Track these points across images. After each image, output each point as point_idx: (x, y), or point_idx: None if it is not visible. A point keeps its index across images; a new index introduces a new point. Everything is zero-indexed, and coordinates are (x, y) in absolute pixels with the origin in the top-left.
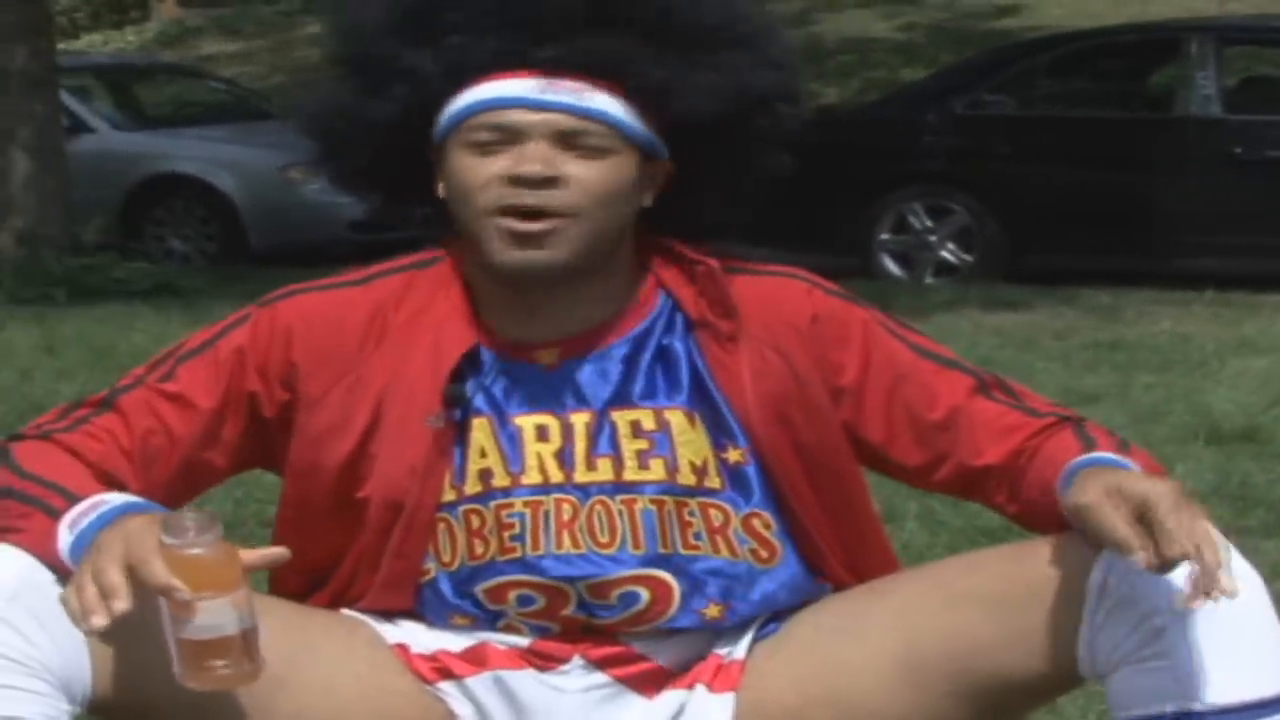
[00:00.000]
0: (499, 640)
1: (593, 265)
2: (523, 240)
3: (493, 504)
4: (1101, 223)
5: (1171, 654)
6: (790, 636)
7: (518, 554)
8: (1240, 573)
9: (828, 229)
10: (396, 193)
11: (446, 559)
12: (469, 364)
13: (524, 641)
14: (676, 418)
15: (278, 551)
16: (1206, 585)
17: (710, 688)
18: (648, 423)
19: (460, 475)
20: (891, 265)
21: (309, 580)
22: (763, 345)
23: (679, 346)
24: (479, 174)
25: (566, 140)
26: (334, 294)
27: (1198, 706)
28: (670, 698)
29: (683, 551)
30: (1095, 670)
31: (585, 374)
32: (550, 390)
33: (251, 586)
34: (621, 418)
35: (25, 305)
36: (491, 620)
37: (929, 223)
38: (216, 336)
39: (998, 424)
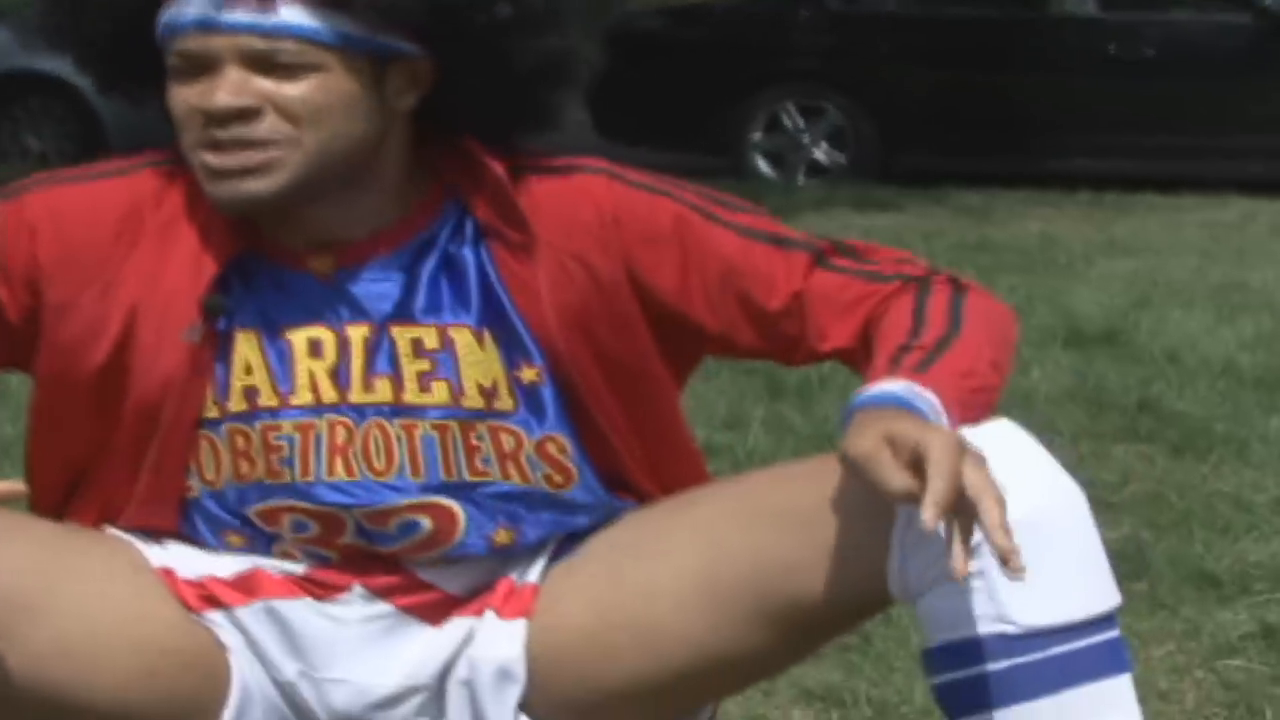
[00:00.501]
0: (272, 566)
1: (337, 181)
2: (224, 175)
3: (259, 424)
4: (976, 123)
5: (986, 573)
6: (586, 557)
7: (286, 478)
8: (1061, 486)
9: (699, 128)
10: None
11: (210, 476)
12: (235, 271)
13: (299, 569)
14: (463, 336)
15: (16, 485)
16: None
17: (500, 613)
18: (430, 341)
19: (224, 392)
20: (764, 165)
21: (69, 479)
22: (561, 253)
23: (468, 256)
24: (178, 105)
25: (259, 61)
26: (89, 187)
27: (1012, 629)
28: (457, 625)
29: (468, 478)
30: (906, 591)
31: (362, 284)
32: (324, 301)
33: None
34: (402, 335)
35: None
36: (266, 544)
37: (801, 122)
38: None
39: (839, 299)
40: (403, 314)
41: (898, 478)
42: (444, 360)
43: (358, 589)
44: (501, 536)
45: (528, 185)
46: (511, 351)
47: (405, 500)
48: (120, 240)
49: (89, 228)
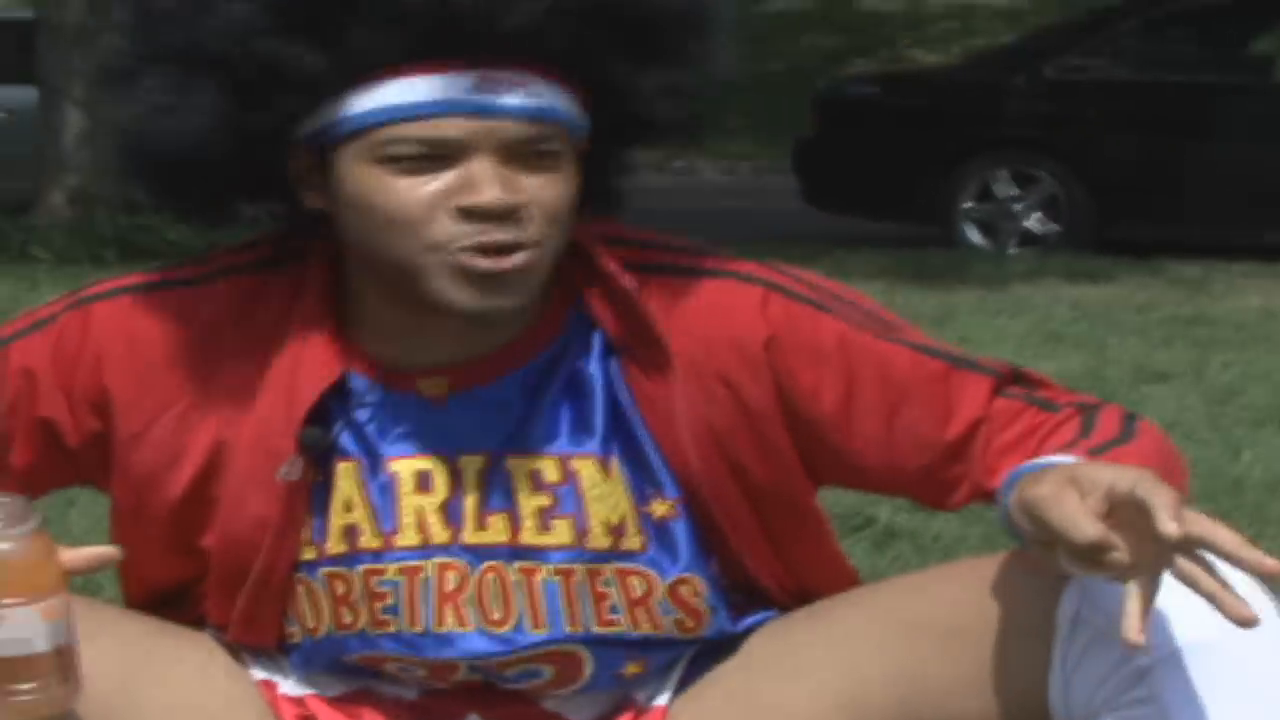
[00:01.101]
0: (383, 689)
1: None
2: (487, 282)
3: (360, 568)
4: (1195, 193)
5: (1160, 699)
6: (718, 676)
7: (391, 629)
8: (1254, 599)
9: (909, 196)
10: (239, 198)
11: (311, 624)
12: (334, 395)
13: (410, 693)
14: (587, 468)
15: (107, 551)
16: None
17: None
18: (550, 473)
19: (320, 531)
20: (974, 234)
21: (155, 598)
22: (702, 372)
23: (594, 373)
24: (410, 200)
25: (515, 152)
26: (161, 296)
27: None
28: None
29: (595, 630)
30: (1070, 717)
31: (478, 409)
32: (435, 428)
33: (69, 594)
34: (518, 467)
35: (74, 265)
36: (373, 673)
37: (1014, 190)
38: (13, 337)
39: (1012, 431)
40: (520, 443)
41: (1087, 521)
42: (565, 495)
43: (474, 718)
44: (631, 669)
45: (666, 291)
46: (641, 483)
47: (524, 653)
48: (202, 361)
49: (165, 347)
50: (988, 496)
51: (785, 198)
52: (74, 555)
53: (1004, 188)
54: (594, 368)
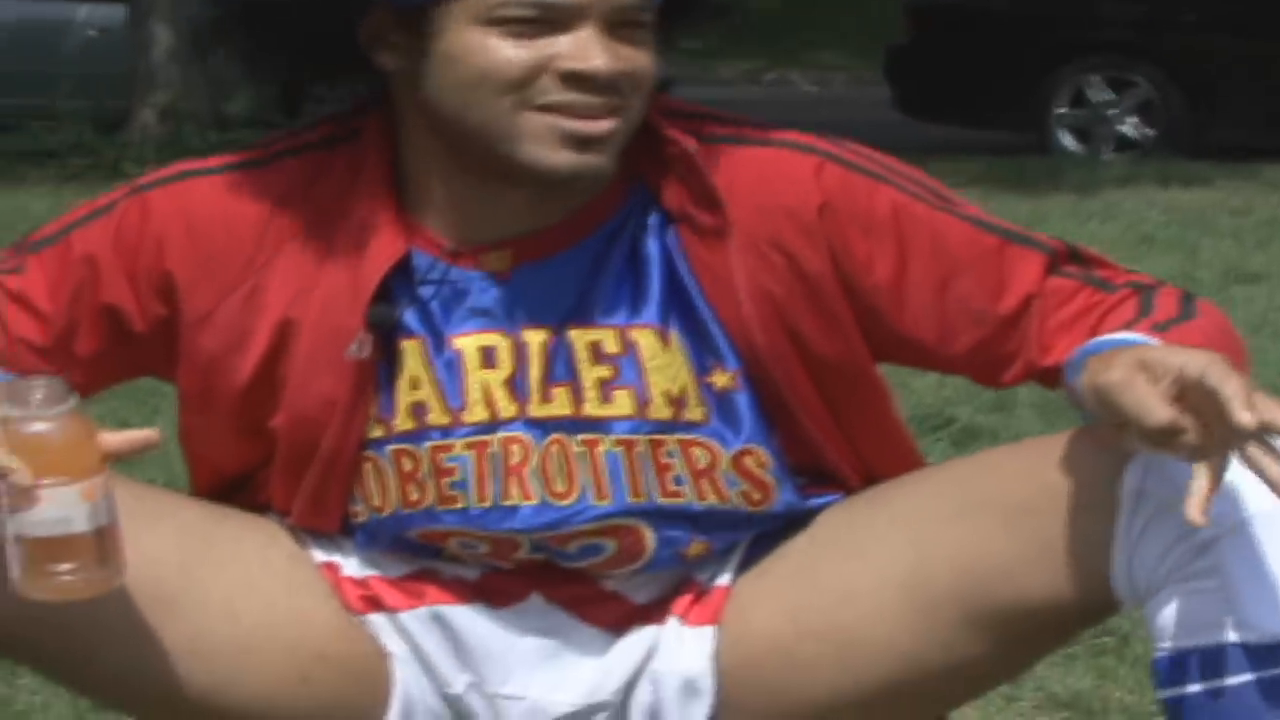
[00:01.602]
0: (444, 569)
1: None
2: (584, 144)
3: (427, 445)
4: None
5: (1223, 571)
6: (781, 555)
7: (459, 504)
8: None
9: (1002, 102)
10: (322, 62)
11: (377, 503)
12: (398, 273)
13: (472, 573)
14: (645, 338)
15: (147, 434)
16: None
17: (685, 620)
18: (610, 345)
19: (388, 408)
20: (1069, 140)
21: (225, 485)
22: (758, 239)
23: (653, 245)
24: (513, 60)
25: (617, 21)
26: (224, 180)
27: (1254, 638)
28: (641, 636)
29: (660, 501)
30: (1134, 592)
31: (542, 282)
32: (499, 303)
33: (111, 474)
34: (579, 338)
35: None
36: (434, 553)
37: (1109, 95)
38: (73, 225)
39: (1068, 309)
40: (581, 315)
41: (1159, 406)
42: (626, 366)
43: (536, 598)
44: (694, 549)
45: (722, 160)
46: (701, 353)
47: (587, 525)
48: (264, 242)
49: (226, 230)
50: (1042, 374)
51: (879, 109)
52: (113, 437)
53: (1098, 93)
54: (653, 239)
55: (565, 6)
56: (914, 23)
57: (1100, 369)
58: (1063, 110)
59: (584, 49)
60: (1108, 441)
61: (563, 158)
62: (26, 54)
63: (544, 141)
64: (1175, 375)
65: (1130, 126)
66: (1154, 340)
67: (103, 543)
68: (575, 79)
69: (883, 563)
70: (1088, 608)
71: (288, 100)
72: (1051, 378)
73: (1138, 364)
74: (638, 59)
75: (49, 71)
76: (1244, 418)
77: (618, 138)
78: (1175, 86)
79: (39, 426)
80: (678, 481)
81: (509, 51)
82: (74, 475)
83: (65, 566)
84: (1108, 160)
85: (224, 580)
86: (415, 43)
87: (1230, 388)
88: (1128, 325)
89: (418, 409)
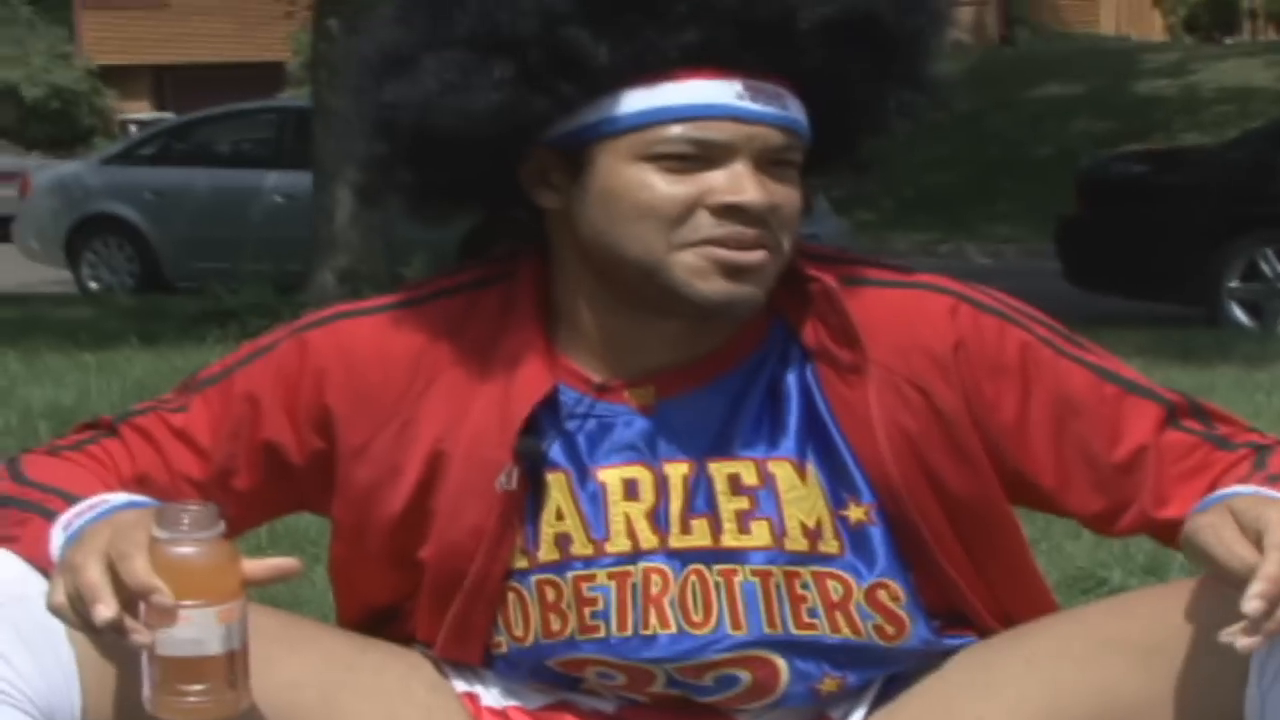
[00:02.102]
0: (582, 701)
1: None
2: (737, 274)
3: (570, 575)
4: None
5: None
6: (914, 693)
7: (600, 634)
8: None
9: (1174, 275)
10: (467, 196)
11: (519, 633)
12: (544, 407)
13: (609, 707)
14: (783, 471)
15: (286, 563)
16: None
17: None
18: (749, 477)
19: (533, 540)
20: (1240, 314)
21: (373, 616)
22: (896, 377)
23: (791, 381)
24: (670, 197)
25: (768, 158)
26: (380, 319)
27: None
28: None
29: (795, 632)
30: None
31: (684, 417)
32: (643, 437)
33: (247, 601)
34: (719, 470)
35: None
36: (571, 684)
37: None
38: (236, 365)
39: (1185, 464)
40: (721, 448)
41: (1237, 547)
42: (764, 497)
43: None
44: (828, 685)
45: (860, 298)
46: (837, 487)
47: (723, 655)
48: (417, 377)
49: (382, 366)
50: (1158, 527)
51: (1051, 280)
52: (255, 565)
53: (1271, 266)
54: (792, 375)
55: (720, 144)
56: (1085, 194)
57: (1198, 517)
58: (1235, 284)
59: (737, 183)
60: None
61: (717, 286)
62: (217, 220)
63: (699, 273)
64: (1253, 524)
65: None
66: (1268, 492)
67: (233, 666)
68: (729, 211)
69: (1018, 699)
70: None
71: (461, 261)
72: (1166, 531)
73: (1227, 510)
74: (787, 195)
75: (237, 236)
76: (1250, 606)
77: (769, 270)
78: None
79: (185, 550)
80: (812, 614)
81: (667, 187)
82: (213, 599)
83: (196, 687)
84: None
85: (366, 708)
86: (575, 180)
87: (1272, 559)
88: (1242, 481)
89: (562, 540)
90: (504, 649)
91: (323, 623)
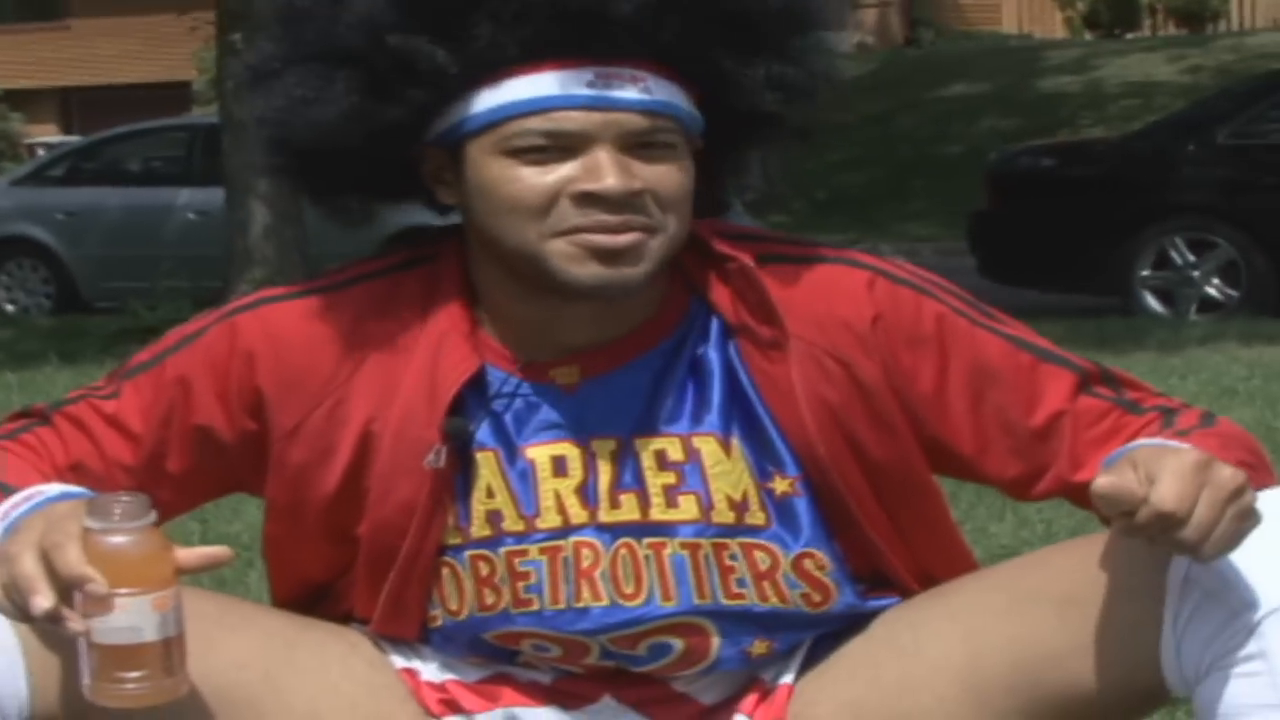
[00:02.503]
0: (519, 673)
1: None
2: (608, 256)
3: (503, 550)
4: None
5: (1269, 654)
6: (841, 654)
7: (534, 607)
8: None
9: (1087, 265)
10: (379, 196)
11: (454, 607)
12: (472, 388)
13: (546, 678)
14: (708, 446)
15: (217, 551)
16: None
17: (751, 717)
18: (674, 452)
19: (465, 516)
20: (1153, 302)
21: (309, 594)
22: (816, 350)
23: (713, 357)
24: (532, 188)
25: (634, 142)
26: (307, 302)
27: None
28: None
29: (724, 601)
30: (1183, 679)
31: (608, 395)
32: (569, 415)
33: (180, 588)
34: (645, 447)
35: None
36: (508, 656)
37: (1191, 257)
38: (165, 352)
39: (1098, 429)
40: (646, 424)
41: (1131, 485)
42: (690, 472)
43: (608, 700)
44: (758, 648)
45: (778, 276)
46: (762, 460)
47: (655, 624)
48: (346, 359)
49: (310, 349)
50: (1073, 490)
51: (968, 276)
52: (186, 553)
53: (1181, 254)
54: (713, 351)
55: (574, 133)
56: (995, 188)
57: (1103, 470)
58: (1146, 273)
59: (595, 170)
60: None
61: (592, 271)
62: (131, 239)
63: (573, 259)
64: (1152, 468)
65: (1214, 288)
66: (1171, 443)
67: (170, 653)
68: (588, 199)
69: (939, 657)
70: (1138, 695)
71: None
72: (1082, 494)
73: (1128, 460)
74: (663, 176)
75: (152, 254)
76: (1141, 512)
77: (650, 251)
78: (1258, 248)
79: (117, 539)
80: (741, 584)
81: (529, 179)
82: (147, 586)
83: (133, 674)
84: (1192, 321)
85: (307, 685)
86: (460, 177)
87: (1166, 475)
88: (1150, 438)
89: (493, 517)
90: (440, 623)
91: (260, 604)
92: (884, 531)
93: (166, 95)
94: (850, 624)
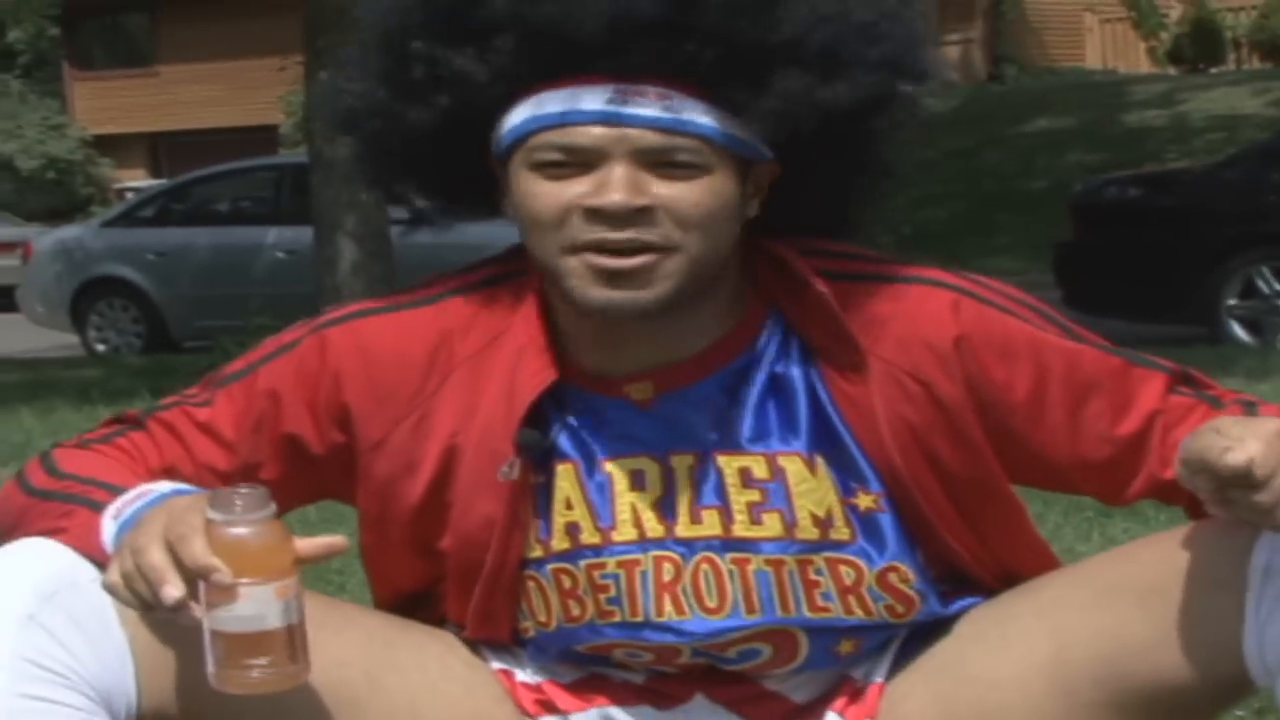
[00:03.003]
0: (613, 674)
1: (696, 294)
2: (613, 278)
3: (583, 563)
4: None
5: None
6: (931, 652)
7: (616, 619)
8: None
9: (1174, 296)
10: (455, 203)
11: (542, 619)
12: (551, 402)
13: (639, 678)
14: (793, 465)
15: (334, 540)
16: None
17: (844, 715)
18: (759, 471)
19: (546, 529)
20: (1240, 331)
21: (406, 601)
22: (897, 370)
23: (795, 375)
24: (550, 203)
25: (652, 159)
26: (396, 318)
27: None
28: None
29: (808, 615)
30: (1265, 669)
31: (684, 411)
32: (645, 430)
33: (303, 579)
34: (729, 464)
35: None
36: (601, 660)
37: (1279, 286)
38: (259, 362)
39: (1186, 425)
40: (728, 442)
41: (1216, 442)
42: (775, 490)
43: (700, 699)
44: (845, 647)
45: (859, 297)
46: (846, 478)
47: (741, 634)
48: (432, 373)
49: (398, 363)
50: (1164, 489)
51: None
52: (305, 543)
53: (1268, 283)
54: (795, 370)
55: (588, 149)
56: (1080, 220)
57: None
58: (1233, 302)
59: (603, 185)
60: (1228, 524)
61: (596, 292)
62: (220, 278)
63: (581, 278)
64: (1236, 437)
65: None
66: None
67: (292, 639)
68: (593, 214)
69: (1025, 652)
70: (1222, 686)
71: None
72: (1174, 491)
73: (1212, 428)
74: (683, 194)
75: (241, 293)
76: (1231, 456)
77: (664, 272)
78: None
79: (240, 530)
80: (826, 597)
81: (546, 194)
82: (270, 575)
83: (259, 661)
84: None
85: (408, 684)
86: (508, 190)
87: (1252, 442)
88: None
89: (572, 529)
90: (531, 633)
91: (361, 605)
92: (965, 541)
93: (253, 139)
94: (937, 621)
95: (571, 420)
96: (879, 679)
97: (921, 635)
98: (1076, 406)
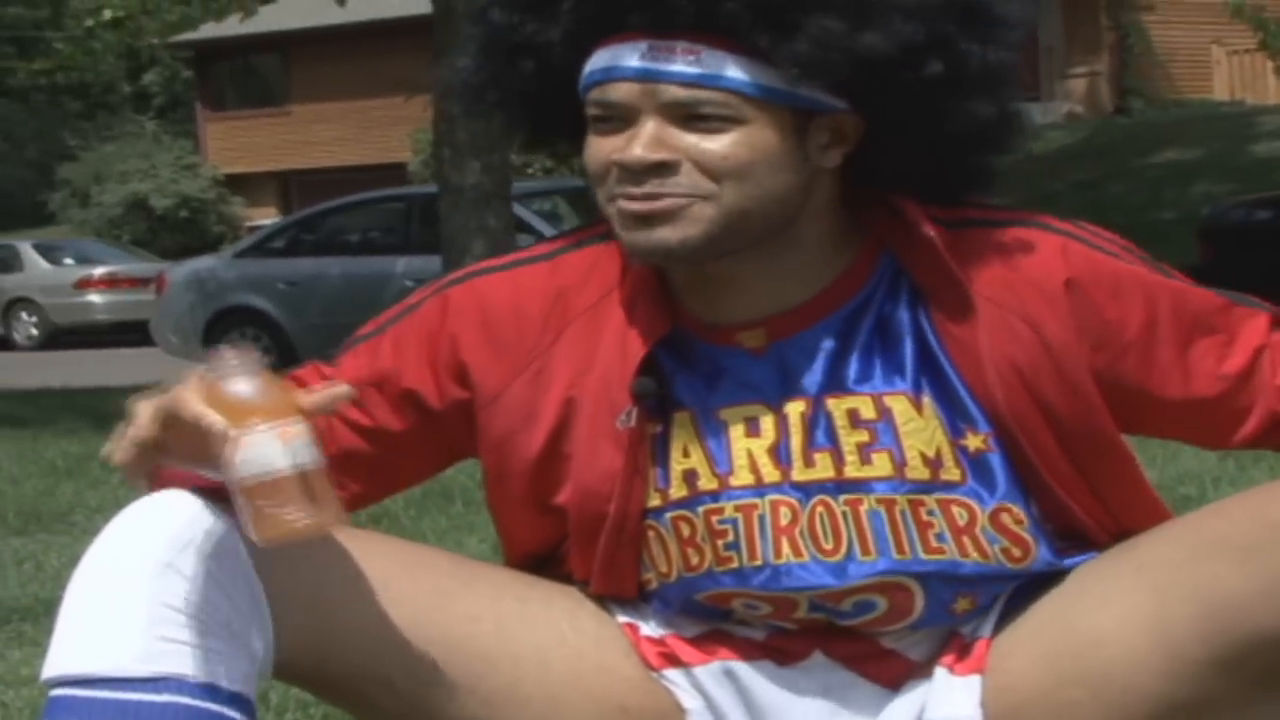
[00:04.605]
0: (734, 630)
1: (756, 239)
2: (639, 221)
3: (701, 509)
4: None
5: None
6: (1035, 609)
7: (734, 564)
8: None
9: None
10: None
11: (664, 569)
12: (665, 352)
13: (759, 634)
14: (899, 404)
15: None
16: None
17: (953, 670)
18: (867, 411)
19: (664, 478)
20: None
21: (530, 560)
22: (1005, 312)
23: (904, 317)
24: (596, 156)
25: (680, 114)
26: (513, 274)
27: None
28: (913, 689)
29: (924, 556)
30: None
31: (796, 356)
32: (759, 377)
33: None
34: (837, 406)
35: None
36: (722, 615)
37: None
38: (387, 323)
39: None
40: (836, 384)
41: None
42: (883, 430)
43: (819, 656)
44: (962, 604)
45: (970, 241)
46: (954, 418)
47: (857, 582)
48: (548, 326)
49: (515, 318)
50: (1274, 428)
51: None
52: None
53: None
54: (903, 312)
55: (621, 104)
56: (1208, 243)
57: None
58: None
59: (629, 140)
60: None
61: (630, 236)
62: (351, 307)
63: (621, 223)
64: None
65: None
66: None
67: (308, 483)
68: (620, 168)
69: (1128, 609)
70: None
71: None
72: None
73: None
74: (710, 145)
75: None
76: None
77: (693, 216)
78: None
79: (230, 381)
80: (940, 539)
81: (594, 147)
82: (268, 418)
83: (278, 508)
84: None
85: (536, 636)
86: None
87: None
88: None
89: (690, 476)
90: (654, 585)
91: (489, 562)
92: (1075, 490)
93: (382, 177)
94: (1043, 580)
95: (686, 369)
96: (986, 633)
97: (1026, 592)
98: (1186, 343)
